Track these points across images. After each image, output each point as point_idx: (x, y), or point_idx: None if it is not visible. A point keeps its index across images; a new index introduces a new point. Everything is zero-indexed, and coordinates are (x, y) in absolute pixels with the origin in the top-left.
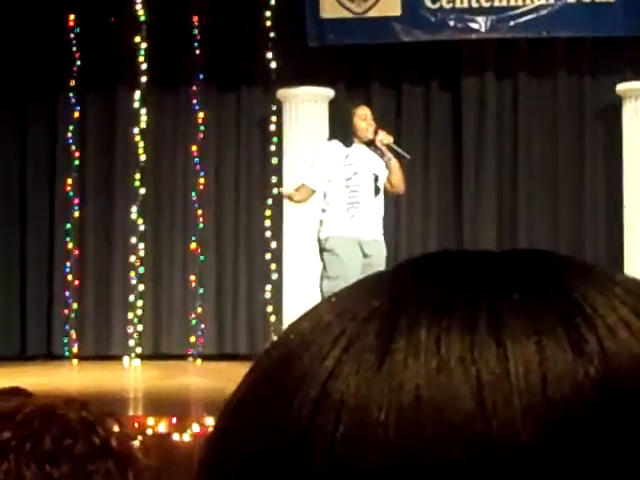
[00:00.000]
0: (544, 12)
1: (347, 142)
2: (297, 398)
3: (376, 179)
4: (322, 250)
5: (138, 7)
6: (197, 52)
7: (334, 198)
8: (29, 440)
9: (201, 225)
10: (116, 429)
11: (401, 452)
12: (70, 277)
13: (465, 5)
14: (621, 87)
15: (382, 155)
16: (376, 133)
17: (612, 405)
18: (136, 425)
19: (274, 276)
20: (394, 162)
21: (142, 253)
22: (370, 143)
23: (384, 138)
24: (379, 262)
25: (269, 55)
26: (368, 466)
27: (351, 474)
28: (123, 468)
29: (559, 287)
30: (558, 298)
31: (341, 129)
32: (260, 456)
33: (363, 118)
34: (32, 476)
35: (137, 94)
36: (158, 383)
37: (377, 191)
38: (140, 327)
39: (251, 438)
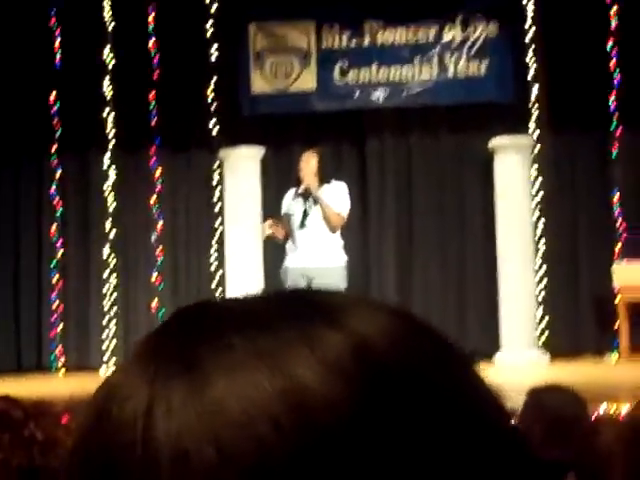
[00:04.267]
0: (430, 85)
1: (296, 186)
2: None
3: (304, 215)
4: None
5: (105, 85)
6: (154, 121)
7: (289, 236)
8: None
9: (160, 261)
10: (47, 422)
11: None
12: (55, 305)
13: (366, 80)
14: (492, 142)
15: (306, 198)
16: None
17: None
18: None
19: None
20: (323, 204)
21: (113, 284)
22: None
23: (303, 182)
24: (328, 284)
25: (212, 122)
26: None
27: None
28: (44, 453)
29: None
30: (307, 312)
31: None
32: None
33: (301, 162)
34: None
35: (107, 156)
36: None
37: (301, 225)
38: (112, 343)
39: None
